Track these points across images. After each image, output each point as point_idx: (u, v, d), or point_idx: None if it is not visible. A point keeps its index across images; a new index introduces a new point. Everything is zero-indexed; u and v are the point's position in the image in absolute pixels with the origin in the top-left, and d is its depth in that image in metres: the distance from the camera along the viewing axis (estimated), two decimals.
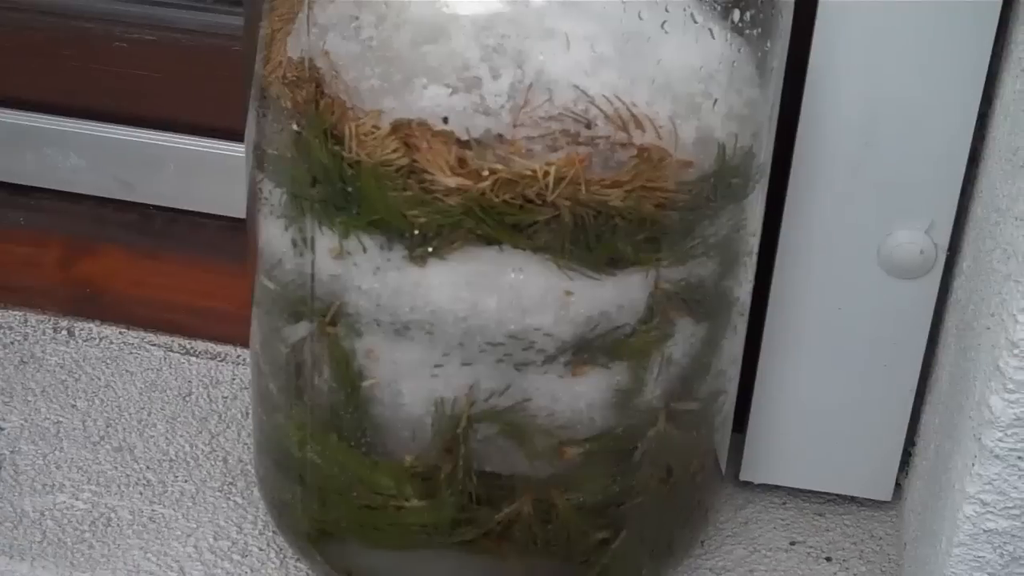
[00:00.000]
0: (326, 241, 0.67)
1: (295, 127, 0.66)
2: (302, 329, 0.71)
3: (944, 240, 0.79)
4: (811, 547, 0.86)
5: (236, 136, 0.92)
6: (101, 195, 1.02)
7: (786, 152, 0.78)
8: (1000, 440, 0.65)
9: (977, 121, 0.76)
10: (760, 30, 0.66)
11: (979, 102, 0.75)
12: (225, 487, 0.87)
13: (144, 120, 0.99)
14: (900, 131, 0.77)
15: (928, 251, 0.79)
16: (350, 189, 0.65)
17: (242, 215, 0.76)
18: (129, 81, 0.99)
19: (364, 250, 0.66)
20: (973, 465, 0.66)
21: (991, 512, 0.66)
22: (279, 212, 0.70)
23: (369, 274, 0.66)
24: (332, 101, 0.64)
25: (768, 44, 0.67)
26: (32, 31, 1.00)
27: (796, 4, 0.69)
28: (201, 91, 0.98)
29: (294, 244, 0.69)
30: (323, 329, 0.69)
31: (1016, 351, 0.63)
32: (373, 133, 0.63)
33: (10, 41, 1.00)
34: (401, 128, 0.63)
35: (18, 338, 1.02)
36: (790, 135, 0.77)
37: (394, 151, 0.63)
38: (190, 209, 1.01)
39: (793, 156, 0.78)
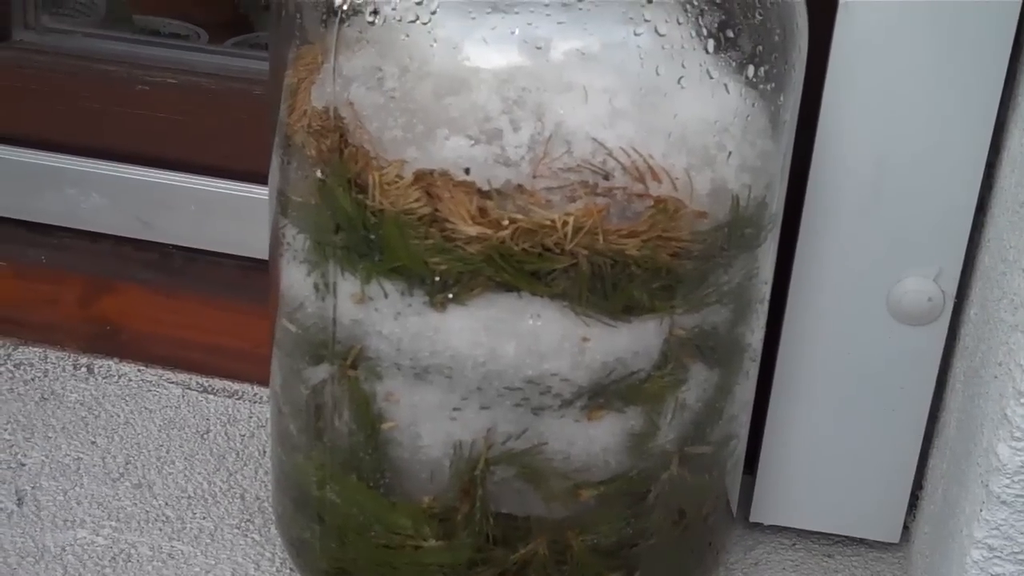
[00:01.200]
0: (348, 286, 0.68)
1: (319, 175, 0.68)
2: (323, 372, 0.72)
3: (952, 288, 0.80)
4: None
5: (255, 178, 0.94)
6: (121, 234, 1.04)
7: (797, 201, 0.79)
8: (1007, 486, 0.66)
9: (985, 171, 0.78)
10: (774, 85, 0.68)
11: (987, 152, 0.77)
12: (243, 524, 0.88)
13: (164, 161, 1.01)
14: (908, 180, 0.78)
15: (936, 298, 0.80)
16: (373, 236, 0.66)
17: (260, 255, 0.78)
18: (150, 123, 1.01)
19: (385, 296, 0.67)
20: (981, 510, 0.68)
21: (998, 557, 0.68)
22: (302, 257, 0.71)
23: (390, 319, 0.68)
24: (356, 150, 0.66)
25: (781, 98, 0.69)
26: (56, 74, 1.02)
27: (808, 59, 0.71)
28: (221, 133, 0.99)
29: (316, 288, 0.70)
30: (344, 372, 0.70)
31: (1023, 400, 0.64)
32: (396, 182, 0.65)
33: (35, 83, 1.02)
34: (423, 178, 0.64)
35: (39, 375, 1.03)
36: (801, 185, 0.79)
37: (416, 200, 0.65)
38: (208, 249, 1.03)
39: (804, 205, 0.80)
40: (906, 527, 0.89)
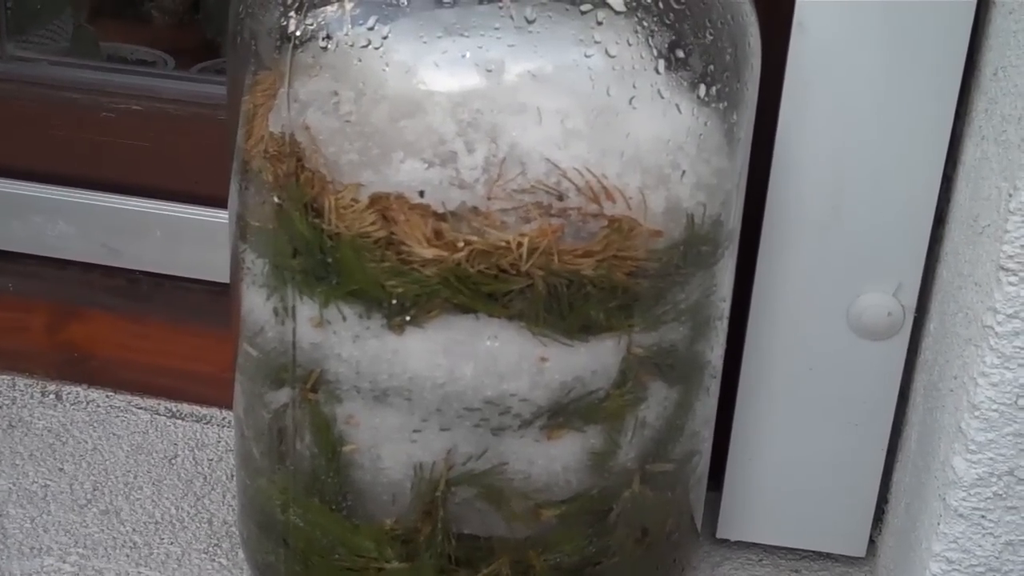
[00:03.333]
0: (307, 310, 0.69)
1: (276, 200, 0.68)
2: (284, 395, 0.72)
3: (912, 302, 0.81)
4: None
5: (220, 203, 0.93)
6: (88, 261, 1.04)
7: (757, 218, 0.80)
8: (964, 499, 0.66)
9: (942, 183, 0.78)
10: (727, 103, 0.68)
11: (943, 166, 0.78)
12: (211, 549, 0.88)
13: (130, 188, 1.01)
14: (866, 195, 0.79)
15: (896, 313, 0.81)
16: (330, 260, 0.67)
17: (226, 280, 0.78)
18: (116, 150, 1.01)
19: (344, 319, 0.67)
20: (939, 524, 0.68)
21: (957, 570, 0.68)
22: (261, 281, 0.71)
23: (349, 342, 0.68)
24: (312, 175, 0.66)
25: (735, 116, 0.69)
26: (21, 101, 1.02)
27: (763, 77, 0.72)
28: (186, 159, 1.00)
29: (276, 313, 0.71)
30: (304, 396, 0.71)
31: (977, 413, 0.64)
32: (352, 206, 0.65)
33: (1, 111, 1.02)
34: (379, 201, 0.65)
35: (6, 402, 1.03)
36: (760, 201, 0.79)
37: (372, 224, 0.65)
38: (175, 274, 1.03)
39: (763, 222, 0.80)
40: (872, 541, 0.89)
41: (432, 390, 0.67)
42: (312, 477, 0.72)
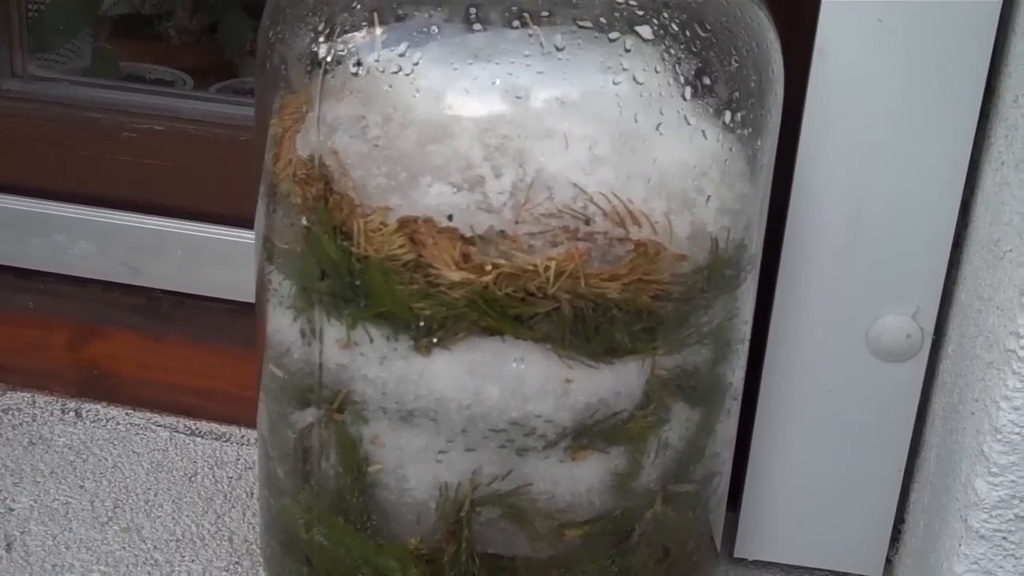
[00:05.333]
0: (334, 332, 0.69)
1: (305, 222, 0.69)
2: (310, 416, 0.73)
3: (930, 324, 0.82)
4: None
5: (240, 223, 0.95)
6: (109, 279, 1.05)
7: (777, 242, 0.80)
8: (985, 521, 0.67)
9: (960, 209, 0.79)
10: (751, 129, 0.69)
11: (962, 191, 0.78)
12: (231, 567, 0.89)
13: (151, 207, 1.02)
14: (886, 219, 0.80)
15: (914, 335, 0.81)
16: (358, 282, 0.67)
17: (246, 298, 0.79)
18: (137, 169, 1.02)
19: (371, 340, 0.68)
20: (960, 545, 0.69)
21: None
22: (288, 303, 0.72)
23: (376, 363, 0.68)
24: (341, 198, 0.67)
25: (758, 142, 0.70)
26: (43, 121, 1.03)
27: (785, 103, 0.72)
28: (207, 179, 1.00)
29: (303, 334, 0.71)
30: (330, 416, 0.71)
31: (999, 436, 0.65)
32: (380, 229, 0.66)
33: (23, 131, 1.03)
34: (407, 225, 0.65)
35: (27, 419, 1.04)
36: (781, 225, 0.80)
37: (401, 247, 0.66)
38: (195, 293, 1.04)
39: (784, 245, 0.81)
40: (888, 561, 0.90)
41: (458, 411, 0.68)
42: (337, 496, 0.73)
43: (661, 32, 0.65)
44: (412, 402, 0.69)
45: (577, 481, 0.70)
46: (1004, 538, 0.67)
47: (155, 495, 0.96)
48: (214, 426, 1.04)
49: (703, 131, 0.66)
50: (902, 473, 0.86)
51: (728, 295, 0.72)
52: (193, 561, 0.90)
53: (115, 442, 1.02)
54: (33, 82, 1.08)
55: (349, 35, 0.66)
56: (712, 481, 0.78)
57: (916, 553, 0.83)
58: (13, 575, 0.87)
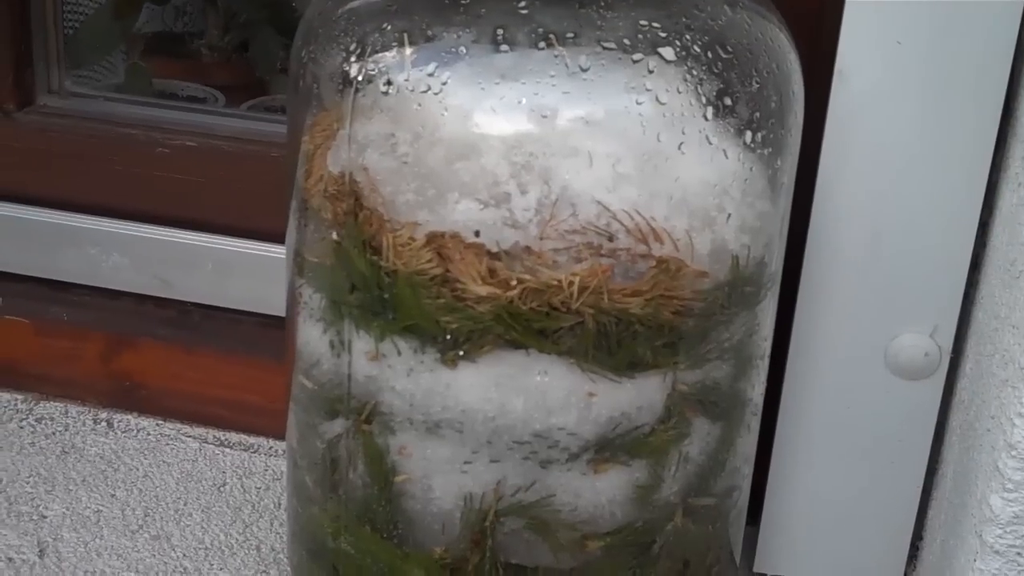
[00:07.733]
0: (363, 344, 0.71)
1: (335, 237, 0.70)
2: (338, 426, 0.74)
3: (948, 343, 0.82)
4: None
5: (271, 237, 0.97)
6: (141, 292, 1.07)
7: (797, 260, 0.82)
8: (1000, 536, 0.68)
9: (978, 229, 0.80)
10: (771, 149, 0.70)
11: (980, 211, 0.79)
12: (259, 575, 0.91)
13: (184, 221, 1.04)
14: (904, 239, 0.81)
15: (932, 353, 0.82)
16: (386, 296, 0.69)
17: (276, 312, 0.80)
18: (170, 184, 1.04)
19: (399, 353, 0.70)
20: (975, 560, 0.70)
21: None
22: (318, 316, 0.74)
23: (403, 375, 0.70)
24: (370, 214, 0.69)
25: (779, 161, 0.71)
26: (79, 136, 1.05)
27: (805, 123, 0.74)
28: (238, 195, 1.02)
29: (332, 346, 0.73)
30: (358, 427, 0.73)
31: (1014, 453, 0.66)
32: (409, 244, 0.67)
33: (58, 146, 1.05)
34: (435, 240, 0.67)
35: (59, 429, 1.06)
36: (800, 244, 0.81)
37: (428, 261, 0.67)
38: (226, 306, 1.06)
39: (803, 264, 0.82)
40: None
41: (483, 423, 0.69)
42: (364, 506, 0.74)
43: (684, 53, 0.67)
44: (438, 413, 0.70)
45: (599, 493, 0.72)
46: (1018, 553, 0.68)
47: (185, 504, 0.98)
48: (243, 437, 1.06)
49: (724, 150, 0.68)
50: (920, 490, 0.87)
51: (748, 312, 0.73)
52: (222, 569, 0.91)
53: (146, 452, 1.04)
54: (69, 98, 1.11)
55: (380, 55, 0.68)
56: (732, 495, 0.79)
57: (933, 569, 0.84)
58: None
